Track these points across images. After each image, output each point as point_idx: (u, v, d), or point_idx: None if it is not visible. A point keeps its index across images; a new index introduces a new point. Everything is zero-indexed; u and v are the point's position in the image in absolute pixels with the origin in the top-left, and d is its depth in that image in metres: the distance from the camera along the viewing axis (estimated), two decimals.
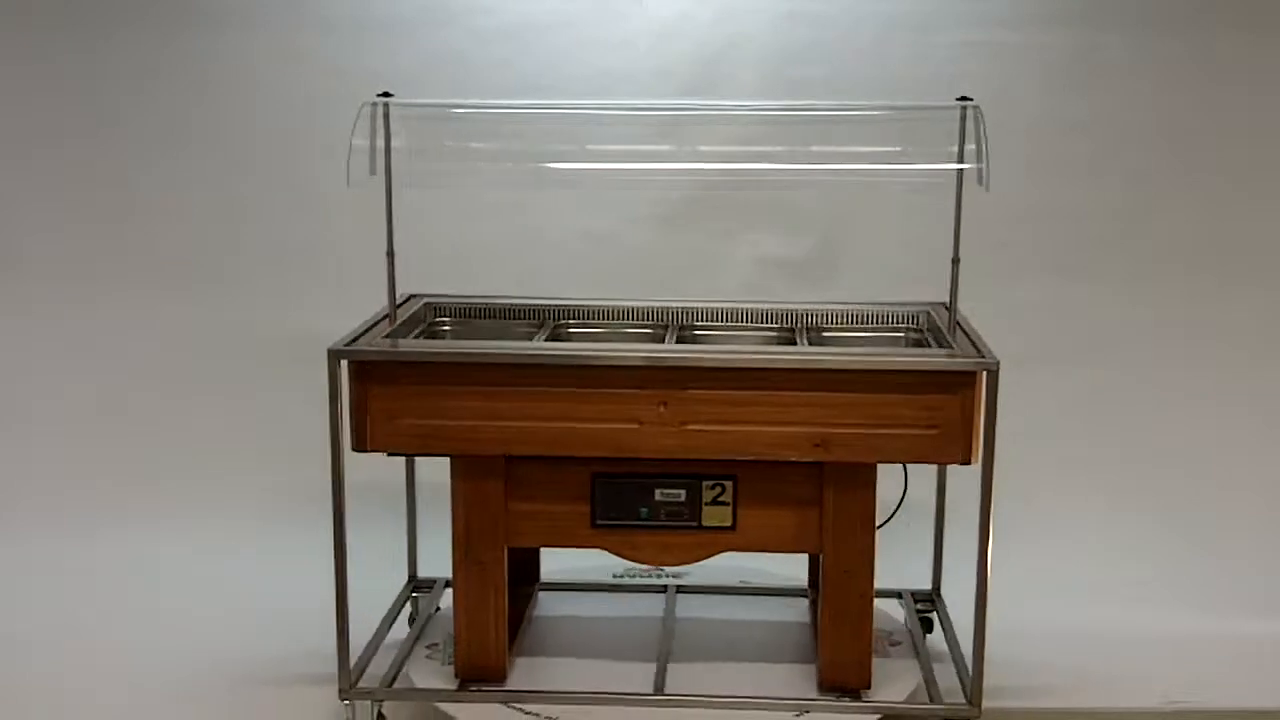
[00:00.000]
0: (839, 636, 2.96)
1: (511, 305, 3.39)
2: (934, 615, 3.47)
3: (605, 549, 3.00)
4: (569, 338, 3.30)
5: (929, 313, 3.29)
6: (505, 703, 2.97)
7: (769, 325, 3.28)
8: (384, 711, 3.07)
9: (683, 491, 2.92)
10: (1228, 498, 4.08)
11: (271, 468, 4.20)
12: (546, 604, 3.51)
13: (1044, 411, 4.10)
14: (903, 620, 3.42)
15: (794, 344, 3.17)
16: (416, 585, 3.60)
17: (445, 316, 3.41)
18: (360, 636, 3.16)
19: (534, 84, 4.13)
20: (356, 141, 3.06)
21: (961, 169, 2.94)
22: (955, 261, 2.94)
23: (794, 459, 2.83)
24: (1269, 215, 4.13)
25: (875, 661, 3.04)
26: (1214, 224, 4.13)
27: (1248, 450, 4.13)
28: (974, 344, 2.93)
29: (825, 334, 3.24)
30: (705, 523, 2.93)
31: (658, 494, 2.93)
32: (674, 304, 3.33)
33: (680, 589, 3.53)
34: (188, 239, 4.27)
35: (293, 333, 4.24)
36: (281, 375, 4.22)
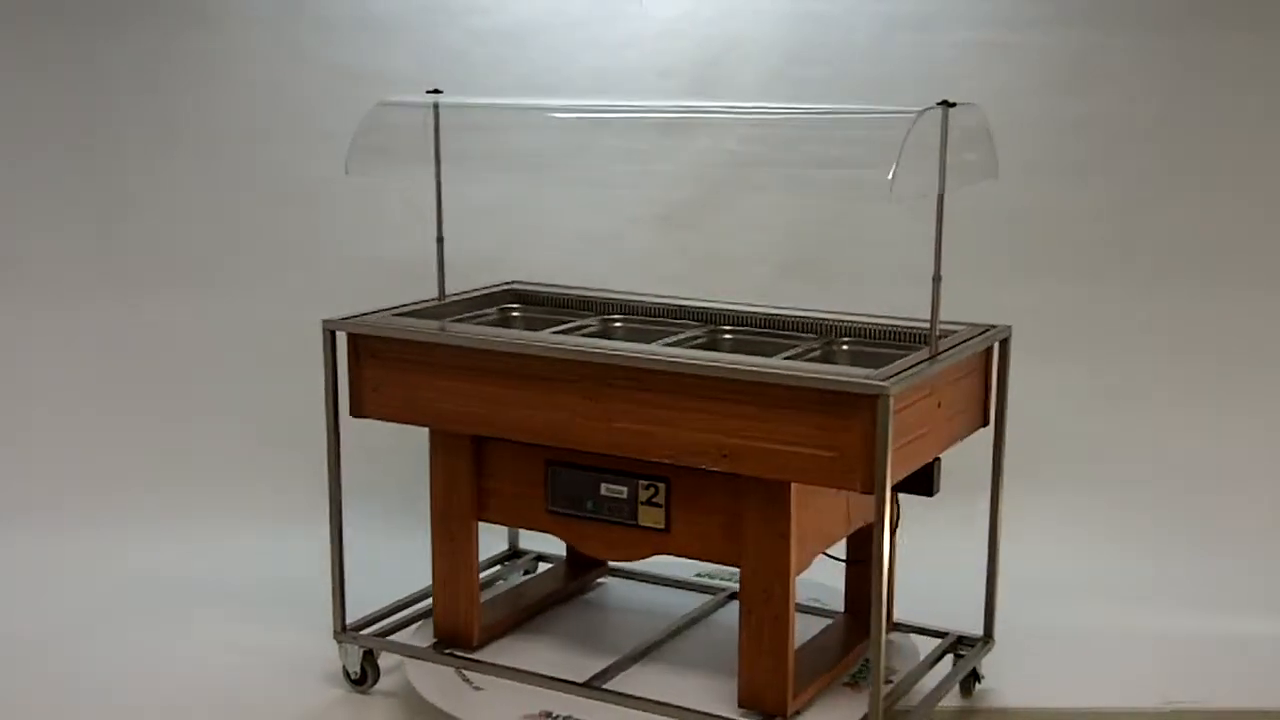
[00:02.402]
0: (757, 657, 2.84)
1: (585, 298, 3.46)
2: (973, 661, 3.20)
3: (558, 536, 3.10)
4: (611, 331, 3.31)
5: (959, 330, 3.07)
6: (458, 669, 3.09)
7: (797, 334, 3.18)
8: (378, 661, 3.27)
9: (624, 489, 2.94)
10: (1228, 497, 4.08)
11: (280, 465, 4.21)
12: (606, 590, 3.56)
13: (1043, 411, 4.10)
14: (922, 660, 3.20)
15: (799, 353, 3.05)
16: (513, 554, 3.80)
17: (519, 303, 3.51)
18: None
19: (533, 84, 4.13)
20: (361, 136, 3.19)
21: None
22: (936, 279, 2.75)
23: (704, 467, 2.76)
24: (1269, 215, 4.13)
25: (840, 693, 2.95)
26: (1214, 224, 4.13)
27: (1248, 450, 4.13)
28: (909, 367, 2.69)
29: (843, 346, 3.13)
30: (641, 522, 2.93)
31: (603, 488, 2.96)
32: (724, 306, 3.30)
33: (734, 596, 3.45)
34: (187, 238, 4.26)
35: (291, 329, 4.24)
36: (283, 370, 4.22)
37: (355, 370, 3.12)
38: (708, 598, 3.47)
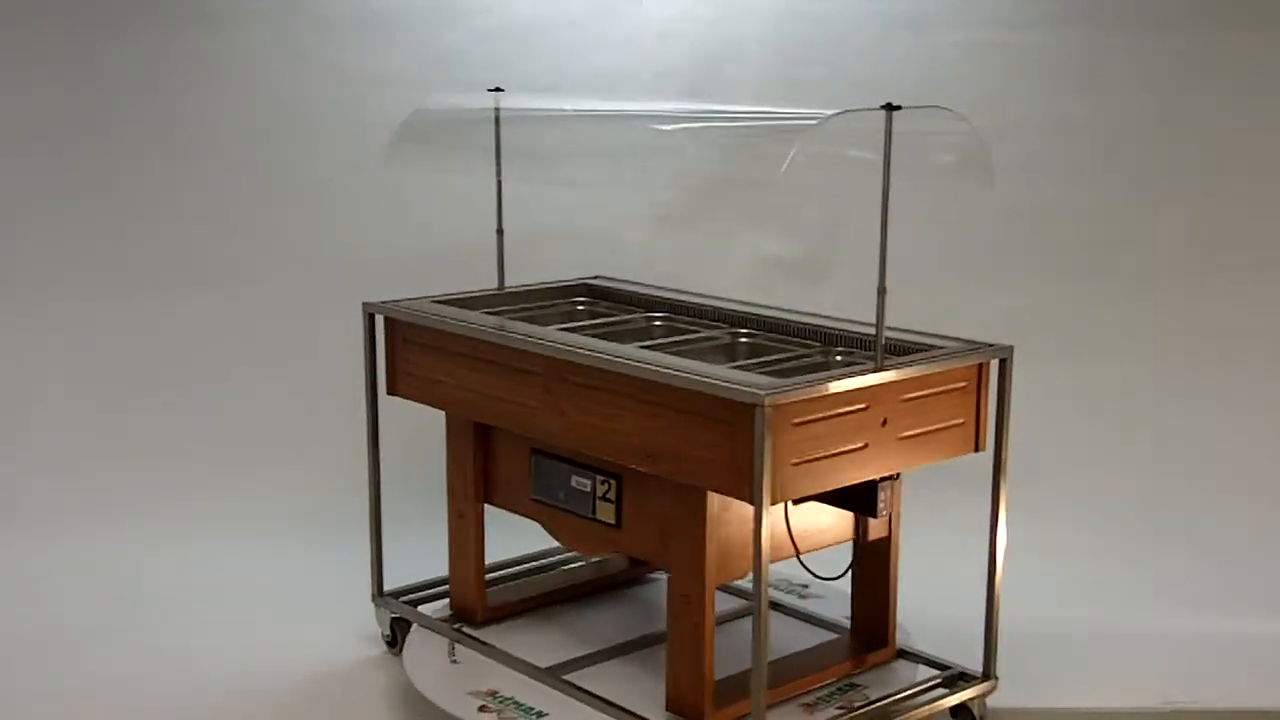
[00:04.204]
0: (680, 663, 2.81)
1: (645, 295, 3.46)
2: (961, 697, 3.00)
3: (539, 523, 3.15)
4: (649, 330, 3.30)
5: (946, 345, 2.88)
6: (451, 640, 3.22)
7: (803, 340, 3.09)
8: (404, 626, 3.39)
9: (588, 482, 2.96)
10: (1228, 497, 4.08)
11: (285, 461, 4.22)
12: (658, 585, 3.55)
13: (1044, 411, 4.10)
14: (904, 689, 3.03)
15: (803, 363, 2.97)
16: None
17: (587, 297, 3.56)
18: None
19: (533, 84, 4.13)
20: (403, 132, 3.31)
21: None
22: (881, 291, 2.61)
23: (632, 466, 2.76)
24: (1269, 215, 4.13)
25: (789, 711, 2.86)
26: (1214, 224, 4.13)
27: (1248, 450, 4.13)
28: (822, 379, 2.59)
29: (836, 356, 3.01)
30: (598, 516, 2.96)
31: (573, 480, 2.99)
32: (764, 313, 3.22)
33: (773, 605, 3.37)
34: (187, 238, 4.26)
35: (290, 327, 4.25)
36: (283, 368, 4.23)
37: (390, 351, 3.29)
38: (742, 604, 3.40)
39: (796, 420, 2.51)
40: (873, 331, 2.88)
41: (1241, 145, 4.09)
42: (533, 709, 2.88)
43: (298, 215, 4.27)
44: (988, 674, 3.02)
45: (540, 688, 2.97)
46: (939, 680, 3.02)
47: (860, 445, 2.64)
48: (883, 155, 2.50)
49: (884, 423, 2.67)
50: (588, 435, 2.82)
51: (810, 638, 3.21)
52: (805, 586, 3.47)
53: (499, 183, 3.38)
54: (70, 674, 3.35)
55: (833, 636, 3.21)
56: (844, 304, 3.17)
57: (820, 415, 2.56)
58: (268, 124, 4.23)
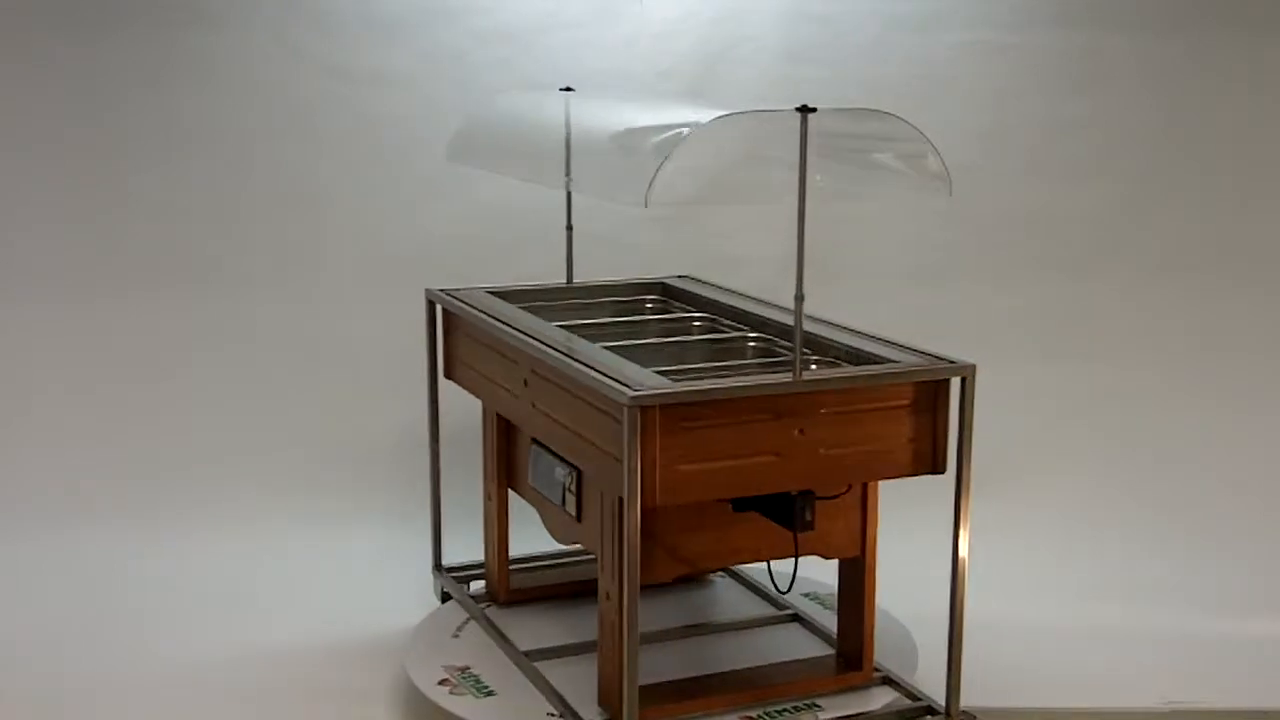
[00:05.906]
0: (606, 660, 2.80)
1: (711, 299, 3.43)
2: None
3: (536, 509, 3.21)
4: (687, 328, 3.29)
5: (904, 360, 2.72)
6: (467, 617, 3.34)
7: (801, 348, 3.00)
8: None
9: (563, 473, 3.00)
10: (1228, 497, 4.08)
11: (291, 460, 4.23)
12: (705, 585, 3.54)
13: (1043, 411, 4.10)
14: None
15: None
16: None
17: (661, 296, 3.59)
18: None
19: (533, 84, 4.13)
20: (466, 127, 3.43)
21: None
22: (799, 299, 2.51)
23: (569, 460, 2.82)
24: (1269, 215, 4.13)
25: None
26: (1214, 224, 4.13)
27: (1248, 450, 4.14)
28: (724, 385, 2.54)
29: (811, 365, 2.85)
30: (565, 508, 2.98)
31: (555, 471, 3.02)
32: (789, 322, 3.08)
33: (796, 618, 3.32)
34: (187, 238, 4.26)
35: (290, 329, 4.24)
36: (283, 369, 4.22)
37: (446, 338, 3.45)
38: (770, 612, 3.37)
39: (687, 423, 2.47)
40: (868, 345, 2.83)
41: (1241, 145, 4.09)
42: (486, 687, 2.95)
43: (298, 215, 4.27)
44: (949, 711, 2.84)
45: (510, 670, 3.03)
46: (904, 711, 2.89)
47: (771, 455, 2.57)
48: (799, 158, 2.44)
49: (800, 432, 2.58)
50: (546, 427, 2.91)
51: (810, 651, 3.16)
52: None
53: (568, 182, 3.33)
54: (70, 672, 3.36)
55: (830, 653, 3.14)
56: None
57: (720, 420, 2.50)
58: (268, 124, 4.23)
